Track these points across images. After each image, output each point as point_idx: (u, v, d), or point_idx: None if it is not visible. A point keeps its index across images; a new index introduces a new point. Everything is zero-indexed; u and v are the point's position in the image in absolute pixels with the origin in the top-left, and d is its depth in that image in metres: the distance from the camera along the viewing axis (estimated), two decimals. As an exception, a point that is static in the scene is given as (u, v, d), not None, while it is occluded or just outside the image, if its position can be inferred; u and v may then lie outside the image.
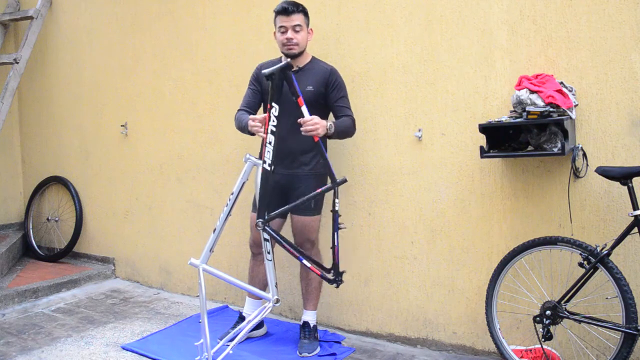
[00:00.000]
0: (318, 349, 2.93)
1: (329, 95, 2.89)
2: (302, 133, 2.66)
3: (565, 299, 2.40)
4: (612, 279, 2.28)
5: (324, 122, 2.69)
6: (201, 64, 3.83)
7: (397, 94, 3.01)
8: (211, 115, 3.78)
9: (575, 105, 2.49)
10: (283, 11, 2.83)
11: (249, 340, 3.04)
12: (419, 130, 2.94)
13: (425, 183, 2.96)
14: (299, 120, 2.65)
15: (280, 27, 2.85)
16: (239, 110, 3.01)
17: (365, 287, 3.18)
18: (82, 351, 3.02)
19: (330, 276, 2.71)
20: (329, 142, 3.09)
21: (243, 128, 2.85)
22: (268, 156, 2.59)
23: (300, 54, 2.90)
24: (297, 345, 2.99)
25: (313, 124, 2.63)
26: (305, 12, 2.89)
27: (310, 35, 2.95)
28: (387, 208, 3.08)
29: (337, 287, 2.72)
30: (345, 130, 2.86)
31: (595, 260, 2.30)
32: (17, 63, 4.55)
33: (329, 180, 3.08)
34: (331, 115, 2.97)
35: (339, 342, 3.08)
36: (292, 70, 2.92)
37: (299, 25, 2.84)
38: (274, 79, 2.55)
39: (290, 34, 2.83)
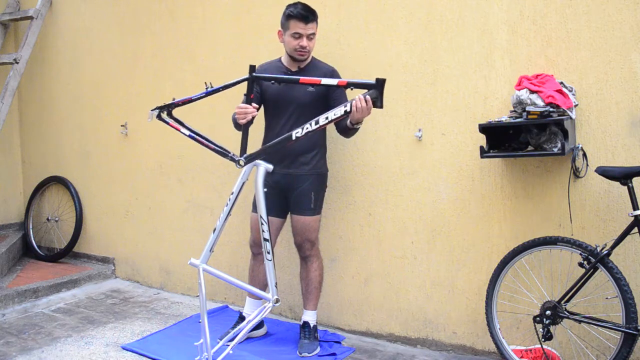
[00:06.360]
0: (318, 349, 2.93)
1: (330, 96, 2.88)
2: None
3: (565, 299, 2.40)
4: (612, 279, 2.28)
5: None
6: (201, 64, 3.83)
7: (397, 94, 3.01)
8: (211, 115, 3.77)
9: (575, 105, 2.49)
10: (302, 18, 2.78)
11: (249, 340, 3.04)
12: (419, 130, 2.94)
13: (425, 183, 2.96)
14: (353, 103, 2.48)
15: (295, 33, 2.81)
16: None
17: (365, 287, 3.18)
18: (82, 351, 3.02)
19: None
20: (329, 142, 3.10)
21: (237, 126, 2.84)
22: None
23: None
24: (297, 345, 2.99)
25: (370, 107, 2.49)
26: (317, 20, 2.87)
27: None
28: (387, 208, 3.08)
29: None
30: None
31: (595, 260, 2.30)
32: (17, 63, 4.55)
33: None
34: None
35: (339, 342, 3.08)
36: (294, 71, 2.92)
37: (313, 33, 2.84)
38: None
39: (305, 42, 2.81)
